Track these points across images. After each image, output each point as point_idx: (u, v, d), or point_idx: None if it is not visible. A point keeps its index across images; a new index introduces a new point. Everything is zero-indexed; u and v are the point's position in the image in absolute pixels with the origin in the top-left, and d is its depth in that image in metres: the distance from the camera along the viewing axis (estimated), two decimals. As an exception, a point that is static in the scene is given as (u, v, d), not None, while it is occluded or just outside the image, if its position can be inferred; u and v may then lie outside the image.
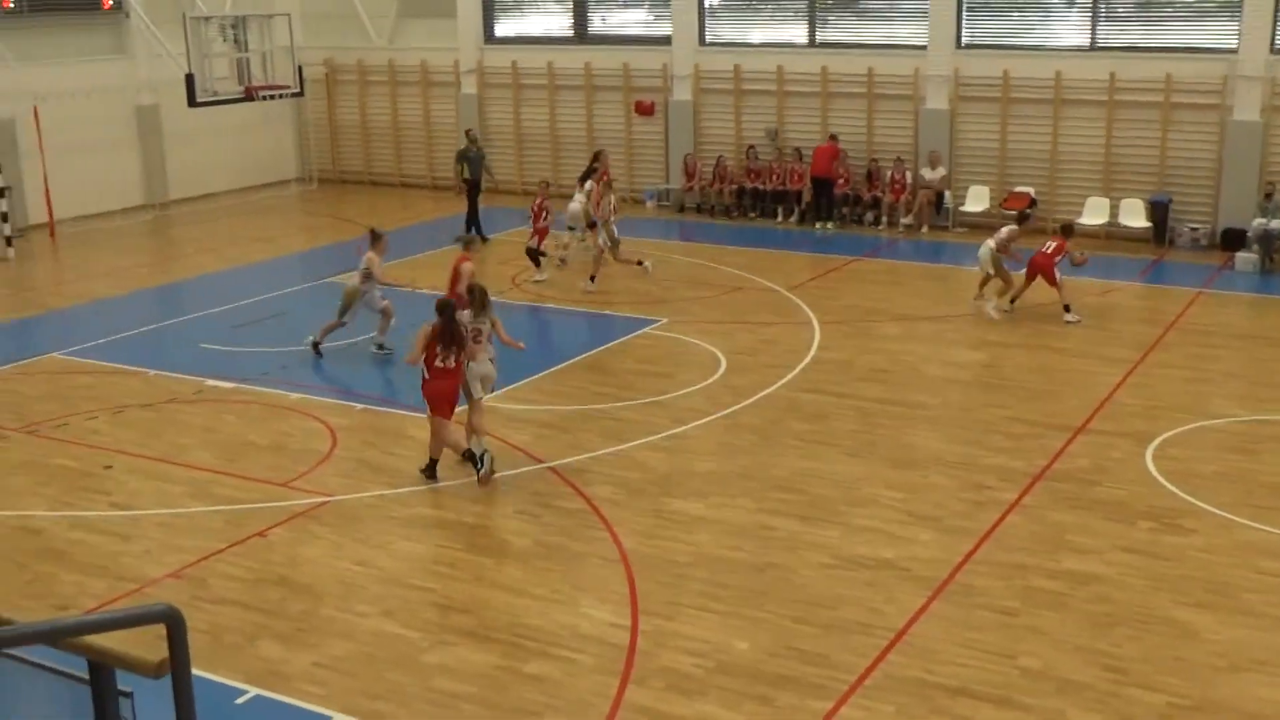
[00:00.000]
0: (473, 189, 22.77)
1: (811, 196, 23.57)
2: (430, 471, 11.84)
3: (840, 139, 23.39)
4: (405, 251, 20.53)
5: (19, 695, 4.52)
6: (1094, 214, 21.97)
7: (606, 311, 17.72)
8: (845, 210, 23.57)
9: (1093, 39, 22.29)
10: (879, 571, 10.00)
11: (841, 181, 23.45)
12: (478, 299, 12.15)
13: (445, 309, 11.61)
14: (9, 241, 21.98)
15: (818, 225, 23.31)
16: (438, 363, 11.56)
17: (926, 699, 8.22)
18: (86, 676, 3.85)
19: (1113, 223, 21.87)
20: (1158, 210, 21.51)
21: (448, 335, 11.54)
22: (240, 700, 8.32)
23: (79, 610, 9.41)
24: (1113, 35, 22.25)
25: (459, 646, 8.94)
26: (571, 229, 20.65)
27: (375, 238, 15.63)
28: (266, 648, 8.97)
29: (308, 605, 9.59)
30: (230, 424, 13.50)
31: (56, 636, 3.65)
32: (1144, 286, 19.38)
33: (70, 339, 16.94)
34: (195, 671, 3.67)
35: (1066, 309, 16.84)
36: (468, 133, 24.20)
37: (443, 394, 11.64)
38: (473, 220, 22.57)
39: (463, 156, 23.20)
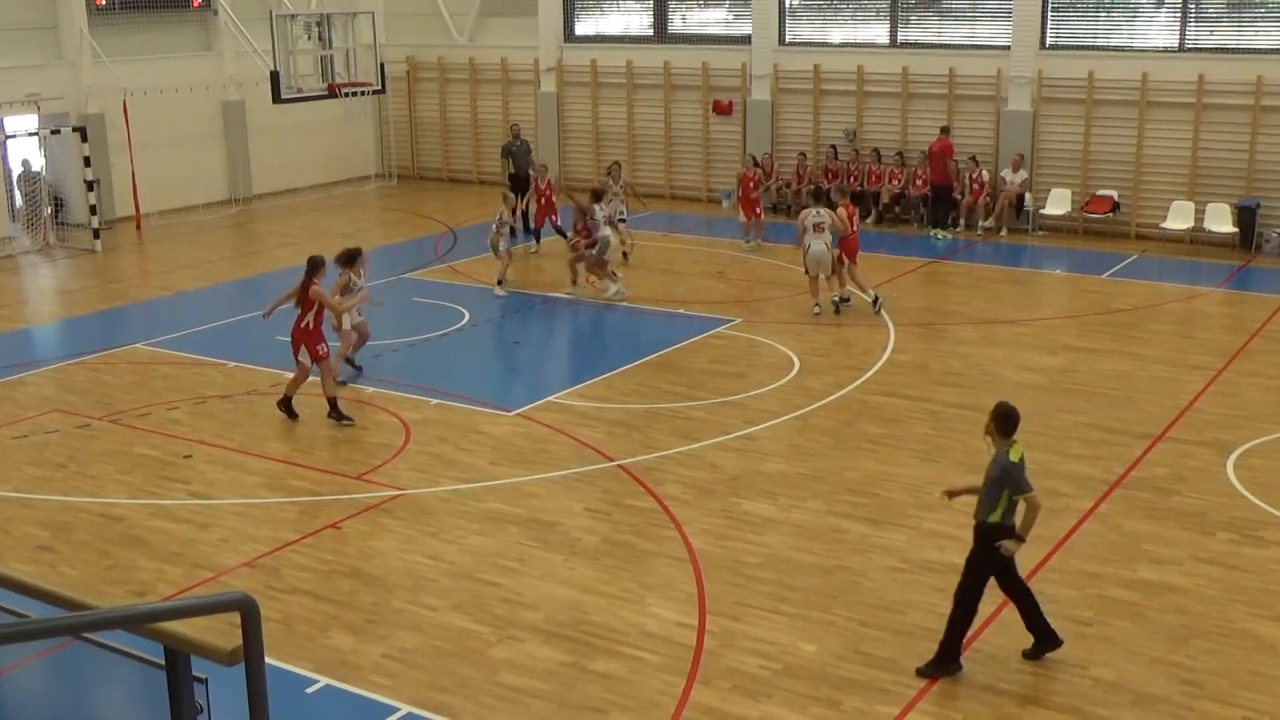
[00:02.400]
0: (519, 184, 22.60)
1: (928, 202, 23.30)
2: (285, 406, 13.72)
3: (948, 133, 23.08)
4: (484, 248, 20.67)
5: (98, 678, 4.64)
6: (1179, 218, 21.57)
7: (680, 311, 17.73)
8: (923, 211, 23.36)
9: (1181, 40, 21.87)
10: (949, 577, 9.85)
11: (920, 184, 23.28)
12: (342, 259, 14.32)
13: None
14: (96, 234, 22.49)
15: (932, 231, 22.94)
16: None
17: (995, 707, 8.14)
18: (162, 662, 3.94)
19: (1198, 228, 21.45)
20: (1245, 215, 21.08)
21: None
22: (310, 690, 8.44)
23: (157, 597, 9.62)
24: (1202, 37, 21.83)
25: (527, 642, 9.00)
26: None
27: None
28: (337, 638, 9.10)
29: (378, 597, 9.72)
30: (306, 416, 13.69)
31: (135, 622, 3.74)
32: (1228, 293, 18.99)
33: (154, 330, 17.31)
34: (267, 660, 3.75)
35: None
36: (512, 127, 24.29)
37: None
38: (525, 213, 22.48)
39: (507, 151, 23.23)
